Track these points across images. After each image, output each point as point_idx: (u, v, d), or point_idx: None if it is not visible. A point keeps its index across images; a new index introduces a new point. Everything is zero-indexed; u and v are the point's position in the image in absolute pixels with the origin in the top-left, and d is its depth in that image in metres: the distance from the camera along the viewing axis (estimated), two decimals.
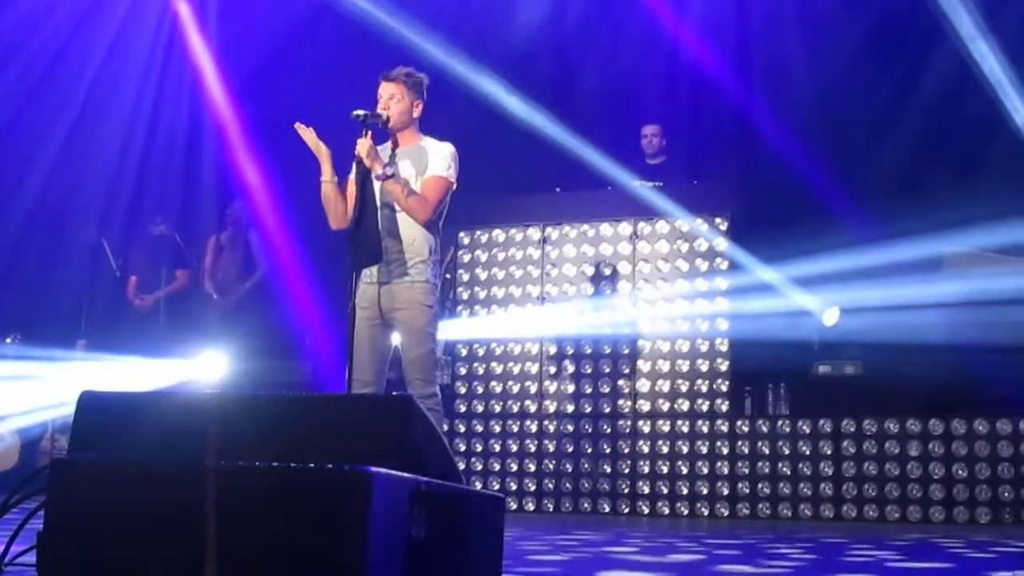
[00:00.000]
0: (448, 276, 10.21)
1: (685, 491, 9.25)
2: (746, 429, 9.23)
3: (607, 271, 9.71)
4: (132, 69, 12.44)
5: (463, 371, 10.03)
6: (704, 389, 9.36)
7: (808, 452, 9.03)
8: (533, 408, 9.77)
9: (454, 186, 6.32)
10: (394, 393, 5.62)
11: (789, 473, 9.05)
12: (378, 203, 6.18)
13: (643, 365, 9.52)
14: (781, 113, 10.72)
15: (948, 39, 10.01)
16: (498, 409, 9.86)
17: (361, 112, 6.08)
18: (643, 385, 9.49)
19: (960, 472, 8.67)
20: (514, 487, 9.66)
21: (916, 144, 10.31)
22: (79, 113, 12.23)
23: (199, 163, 12.62)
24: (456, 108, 10.87)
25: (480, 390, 9.96)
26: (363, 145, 6.06)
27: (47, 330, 10.85)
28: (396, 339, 6.29)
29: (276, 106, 11.99)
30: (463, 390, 9.99)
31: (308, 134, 6.21)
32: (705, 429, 9.30)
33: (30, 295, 11.76)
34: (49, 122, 12.16)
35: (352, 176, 6.21)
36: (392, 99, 6.23)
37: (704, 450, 9.27)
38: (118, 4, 12.35)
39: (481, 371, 9.98)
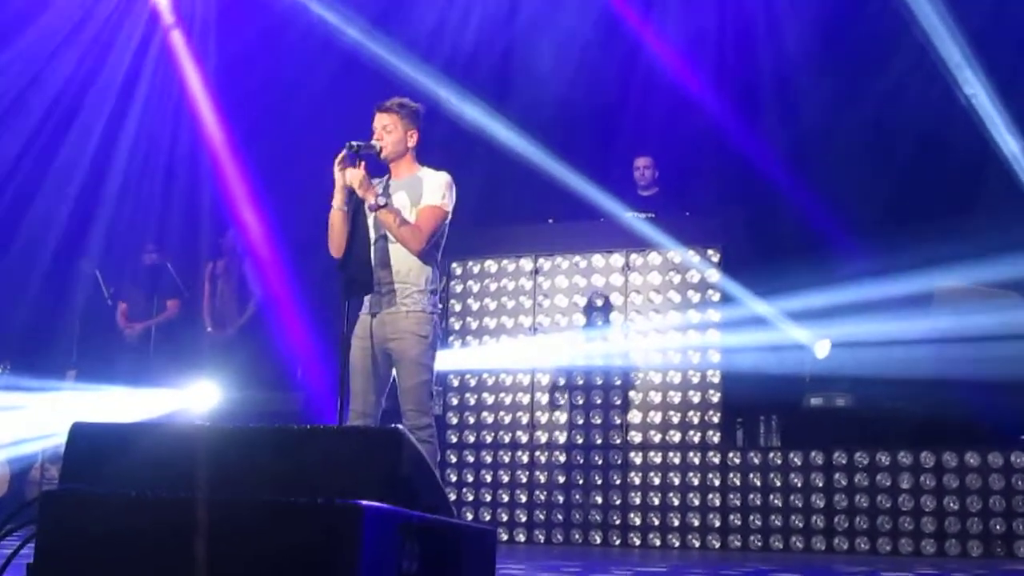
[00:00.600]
0: (441, 306, 10.20)
1: (676, 523, 9.23)
2: (737, 461, 9.22)
3: (599, 302, 9.71)
4: (124, 98, 12.44)
5: (455, 401, 10.02)
6: (696, 420, 9.36)
7: (799, 484, 9.02)
8: (524, 439, 9.75)
9: (449, 215, 6.30)
10: (386, 426, 5.61)
11: (780, 505, 9.03)
12: (372, 234, 6.17)
13: (635, 396, 9.52)
14: (774, 146, 10.75)
15: (939, 72, 10.04)
16: (489, 440, 9.85)
17: (355, 143, 6.07)
18: (635, 416, 9.48)
19: (952, 505, 8.66)
20: (505, 518, 9.64)
21: (907, 179, 10.34)
22: (71, 142, 12.22)
23: (192, 192, 12.60)
24: (450, 139, 10.90)
25: (472, 420, 9.94)
26: (355, 175, 6.04)
27: (38, 360, 10.82)
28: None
29: (269, 135, 12.03)
30: (455, 420, 9.98)
31: (356, 173, 6.10)
32: (696, 461, 9.29)
33: (21, 324, 11.72)
34: (42, 152, 12.16)
35: (336, 206, 6.15)
36: (385, 129, 6.22)
37: (695, 482, 9.25)
38: (114, 35, 12.35)
39: (473, 401, 9.97)
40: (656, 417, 9.45)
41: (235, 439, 3.06)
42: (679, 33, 11.68)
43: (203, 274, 11.42)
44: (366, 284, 6.06)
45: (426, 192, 6.24)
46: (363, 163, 6.06)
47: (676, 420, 9.39)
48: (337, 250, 6.21)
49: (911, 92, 10.47)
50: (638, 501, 9.36)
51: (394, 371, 6.18)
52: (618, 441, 9.49)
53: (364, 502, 2.47)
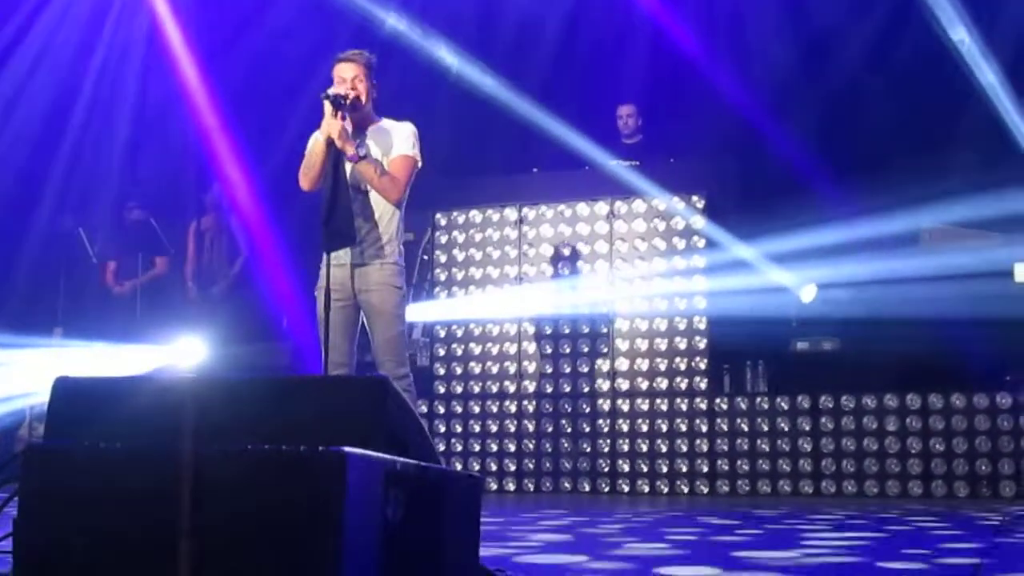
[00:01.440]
0: (425, 257, 10.21)
1: (664, 469, 9.28)
2: (725, 407, 9.26)
3: (584, 251, 9.71)
4: (104, 52, 12.35)
5: (441, 352, 10.03)
6: (683, 367, 9.39)
7: (787, 428, 9.07)
8: (512, 388, 9.78)
9: (419, 163, 6.31)
10: (370, 375, 5.62)
11: (768, 450, 9.09)
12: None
13: (621, 344, 9.54)
14: (756, 91, 10.72)
15: (921, 12, 10.01)
16: (477, 390, 9.87)
17: (332, 92, 6.04)
18: (621, 364, 9.51)
19: (938, 446, 8.72)
20: (494, 467, 9.68)
21: (891, 119, 10.32)
22: (51, 99, 12.14)
23: (174, 147, 12.54)
24: (433, 89, 10.87)
25: (458, 371, 9.96)
26: (335, 126, 6.01)
27: (23, 318, 10.79)
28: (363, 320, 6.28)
29: (251, 87, 11.96)
30: (442, 371, 10.00)
31: (336, 124, 6.04)
32: (684, 407, 9.33)
33: (5, 283, 11.69)
34: (21, 109, 12.08)
35: (321, 137, 6.10)
36: (356, 79, 6.19)
37: (683, 428, 9.30)
38: None
39: (459, 352, 9.98)
40: (643, 364, 9.47)
41: (220, 390, 3.06)
42: None
43: (186, 232, 11.35)
44: (348, 237, 6.05)
45: (396, 142, 6.25)
46: (340, 114, 6.03)
47: (663, 367, 9.42)
48: (309, 180, 6.18)
49: (897, 33, 10.44)
50: (626, 448, 9.40)
51: (365, 323, 6.20)
52: (605, 389, 9.52)
53: (348, 449, 2.47)
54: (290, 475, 2.49)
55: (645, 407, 9.42)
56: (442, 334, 10.07)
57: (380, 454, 2.64)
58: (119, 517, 2.68)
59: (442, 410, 9.91)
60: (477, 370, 9.91)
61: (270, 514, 2.49)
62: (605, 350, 9.57)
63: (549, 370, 9.69)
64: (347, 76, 6.19)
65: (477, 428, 9.83)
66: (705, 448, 9.23)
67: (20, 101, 12.10)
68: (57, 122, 12.17)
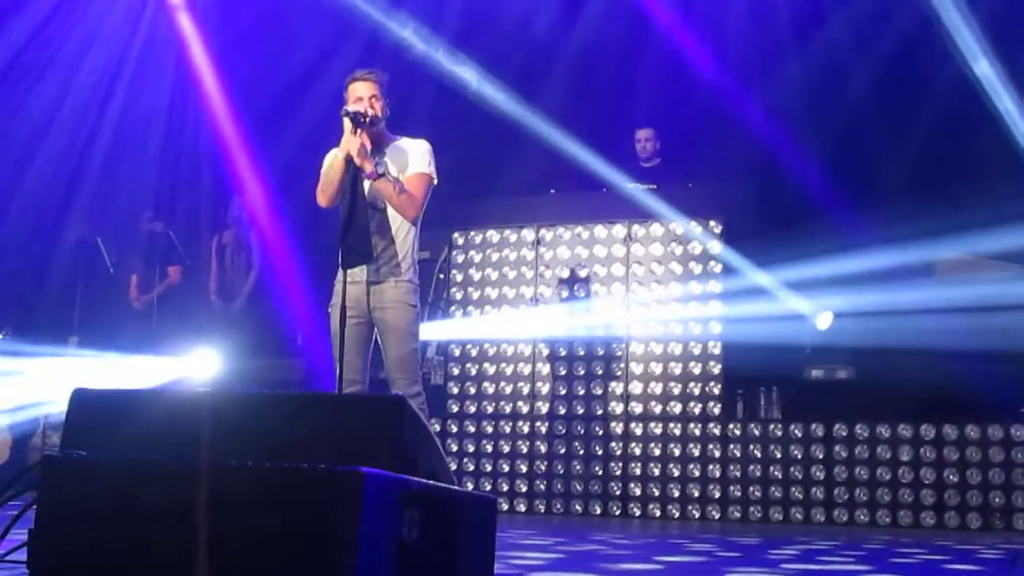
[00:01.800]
0: (442, 276, 10.21)
1: (676, 493, 9.25)
2: (738, 432, 9.23)
3: (601, 273, 9.70)
4: (126, 65, 12.41)
5: (456, 371, 10.03)
6: (696, 392, 9.37)
7: (800, 456, 9.04)
8: (525, 409, 9.76)
9: (435, 181, 6.33)
10: (388, 394, 5.62)
11: (780, 477, 9.05)
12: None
13: (636, 367, 9.52)
14: (776, 117, 10.72)
15: (944, 43, 10.00)
16: (490, 410, 9.86)
17: (351, 109, 6.06)
18: (635, 387, 9.49)
19: (951, 477, 8.68)
20: (505, 488, 9.66)
21: (910, 150, 10.31)
22: (72, 110, 12.19)
23: (193, 159, 12.59)
24: (453, 110, 10.89)
25: (472, 391, 9.95)
26: (354, 143, 6.03)
27: (39, 326, 10.83)
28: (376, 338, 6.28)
29: (269, 103, 11.99)
30: (455, 390, 9.99)
31: (355, 142, 6.06)
32: (697, 432, 9.30)
33: (22, 291, 11.73)
34: (41, 118, 12.13)
35: (340, 155, 6.12)
36: (372, 98, 6.21)
37: (696, 453, 9.27)
38: (116, 4, 12.32)
39: (474, 372, 9.98)
40: (657, 388, 9.46)
41: (237, 405, 3.07)
42: (683, 3, 11.64)
43: (210, 247, 11.40)
44: (365, 254, 6.06)
45: (412, 160, 6.28)
46: (360, 131, 6.05)
47: (677, 391, 9.40)
48: (327, 198, 6.20)
49: (916, 62, 10.44)
50: (638, 472, 9.38)
51: (379, 340, 6.20)
52: (619, 412, 9.50)
53: (365, 468, 2.47)
54: (307, 492, 2.50)
55: (658, 431, 9.40)
56: (457, 353, 10.07)
57: (396, 474, 2.64)
58: (135, 529, 2.69)
59: (455, 429, 9.90)
60: (491, 390, 9.90)
61: (286, 530, 2.50)
62: (619, 373, 9.55)
63: (563, 392, 9.68)
64: (364, 94, 6.21)
65: (489, 448, 9.81)
66: (717, 474, 9.20)
67: (41, 113, 12.15)
68: (77, 133, 12.21)
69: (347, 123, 6.05)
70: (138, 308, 11.24)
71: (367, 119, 6.07)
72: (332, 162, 6.18)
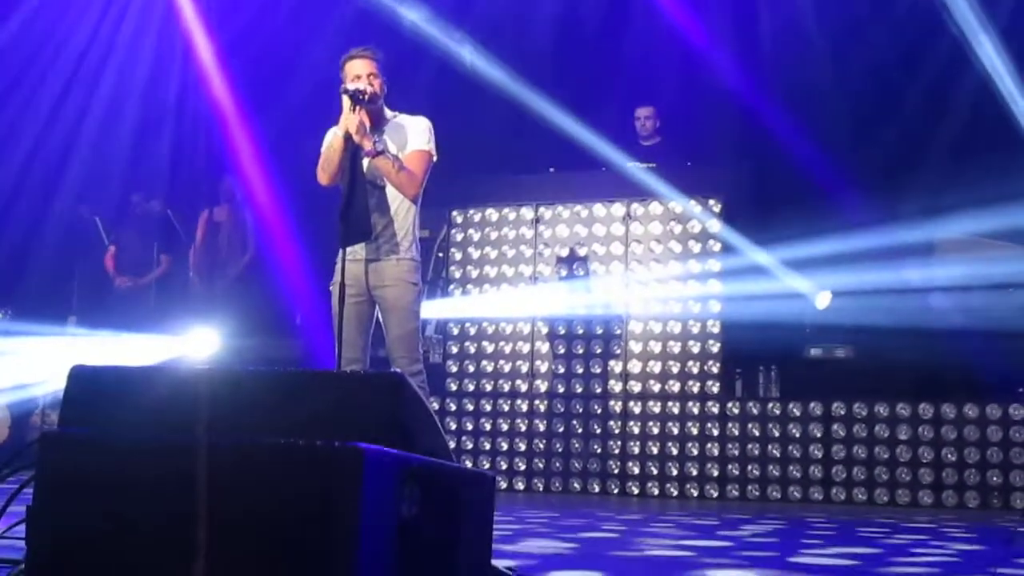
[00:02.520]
0: (441, 255, 10.20)
1: (675, 472, 9.26)
2: (736, 411, 9.24)
3: (600, 252, 9.70)
4: (121, 41, 12.37)
5: (455, 350, 10.03)
6: (695, 371, 9.37)
7: (798, 435, 9.05)
8: (524, 388, 9.77)
9: (435, 158, 6.31)
10: (387, 371, 5.62)
11: (779, 455, 9.06)
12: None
13: (634, 346, 9.52)
14: (776, 95, 10.69)
15: (944, 22, 9.97)
16: (489, 388, 9.87)
17: (351, 87, 6.04)
18: (634, 366, 9.49)
19: (949, 456, 8.69)
20: (504, 466, 9.67)
21: (910, 128, 10.29)
22: (69, 87, 12.17)
23: (190, 137, 12.56)
24: (452, 87, 10.86)
25: (471, 369, 9.96)
26: (353, 121, 6.01)
27: (38, 306, 10.82)
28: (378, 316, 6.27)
29: (265, 79, 11.96)
30: (454, 369, 9.99)
31: (353, 119, 6.04)
32: (696, 411, 9.31)
33: (21, 271, 11.72)
34: (38, 97, 12.11)
35: (340, 132, 6.10)
36: (371, 76, 6.19)
37: (694, 432, 9.28)
38: None
39: (473, 350, 9.98)
40: (656, 367, 9.46)
41: (236, 383, 3.05)
42: None
43: (199, 221, 11.34)
44: (365, 232, 6.05)
45: (411, 137, 6.26)
46: (359, 108, 6.03)
47: (676, 370, 9.40)
48: (328, 176, 6.18)
49: (916, 39, 10.42)
50: (637, 450, 9.39)
51: (380, 318, 6.19)
52: (617, 391, 9.50)
53: (364, 444, 2.47)
54: (306, 469, 2.49)
55: (657, 410, 9.40)
56: (455, 332, 10.07)
57: (396, 451, 2.64)
58: (134, 506, 2.68)
59: (454, 408, 9.91)
60: (489, 368, 9.90)
61: (285, 507, 2.49)
62: (618, 352, 9.55)
63: (561, 370, 9.68)
64: (362, 72, 6.18)
65: (488, 426, 9.82)
66: (716, 452, 9.21)
67: (37, 91, 12.13)
68: (74, 111, 12.19)
69: (346, 101, 6.03)
70: (117, 285, 11.16)
71: (366, 96, 6.05)
72: (332, 140, 6.17)
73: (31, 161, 12.04)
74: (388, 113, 6.35)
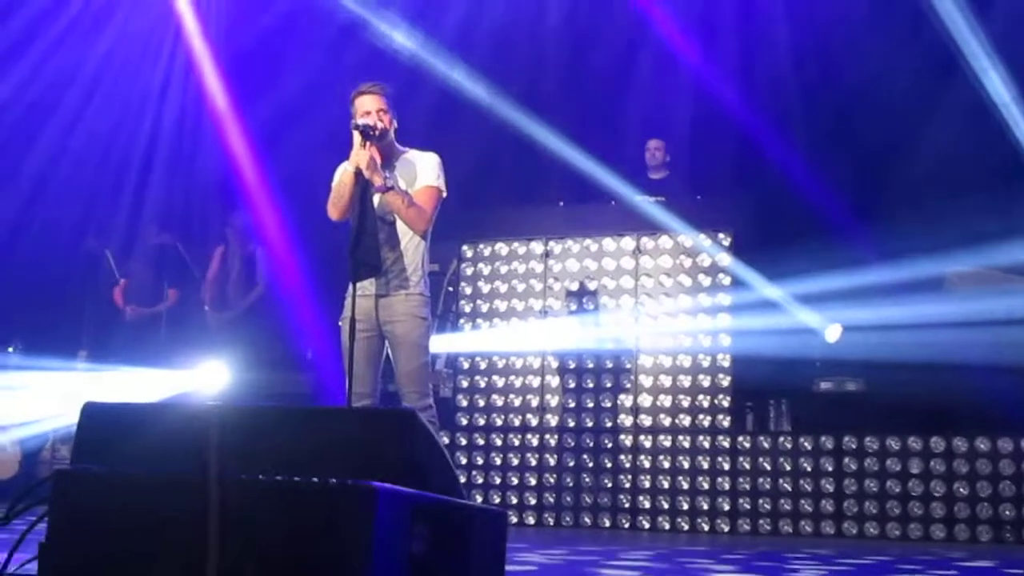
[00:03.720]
0: (451, 289, 10.22)
1: (686, 506, 9.23)
2: (748, 445, 9.22)
3: (610, 286, 9.70)
4: (133, 76, 12.45)
5: (464, 384, 10.02)
6: (706, 404, 9.35)
7: (809, 469, 9.02)
8: (534, 422, 9.76)
9: (444, 194, 6.32)
10: (398, 407, 5.62)
11: (790, 489, 9.03)
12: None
13: (645, 380, 9.51)
14: (785, 130, 10.72)
15: (954, 56, 9.99)
16: (499, 422, 9.85)
17: (361, 122, 6.07)
18: (645, 400, 9.48)
19: (961, 490, 8.66)
20: (514, 500, 9.65)
21: (920, 163, 10.30)
22: (79, 121, 12.22)
23: (201, 172, 12.61)
24: (461, 121, 10.91)
25: (481, 403, 9.95)
26: (363, 156, 6.03)
27: (48, 340, 10.83)
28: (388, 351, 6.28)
29: (278, 117, 12.01)
30: (464, 403, 9.98)
31: (364, 154, 6.07)
32: (707, 444, 9.29)
33: (32, 305, 11.73)
34: (49, 130, 12.16)
35: (350, 168, 6.13)
36: (381, 111, 6.22)
37: (705, 465, 9.25)
38: (118, 10, 12.35)
39: (483, 384, 9.97)
40: (666, 401, 9.44)
41: (248, 419, 3.06)
42: (691, 15, 11.66)
43: (211, 256, 11.38)
44: (375, 267, 6.06)
45: (421, 173, 6.27)
46: (369, 144, 6.06)
47: (686, 404, 9.39)
48: (339, 210, 6.19)
49: (923, 77, 10.44)
50: (648, 484, 9.36)
51: (389, 353, 6.20)
52: (628, 424, 9.49)
53: (377, 483, 2.47)
54: (319, 507, 2.50)
55: (667, 443, 9.38)
56: (466, 366, 10.06)
57: (407, 488, 2.64)
58: (146, 543, 2.69)
59: (464, 442, 9.89)
60: (500, 403, 9.89)
61: (298, 545, 2.49)
62: (628, 385, 9.54)
63: (572, 404, 9.67)
64: (371, 108, 6.21)
65: (498, 461, 9.80)
66: (727, 486, 9.18)
67: (46, 123, 12.18)
68: (86, 145, 12.24)
69: (356, 136, 6.05)
70: (129, 316, 11.19)
71: (376, 132, 6.08)
72: (342, 176, 6.18)
73: (39, 193, 12.07)
74: (398, 148, 6.37)
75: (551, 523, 9.51)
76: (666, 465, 9.34)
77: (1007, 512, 8.52)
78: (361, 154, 6.03)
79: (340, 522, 2.46)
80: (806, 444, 9.07)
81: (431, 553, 2.68)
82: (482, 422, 9.91)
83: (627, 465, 9.43)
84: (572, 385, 9.70)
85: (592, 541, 7.91)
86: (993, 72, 9.86)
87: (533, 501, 9.63)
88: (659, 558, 6.41)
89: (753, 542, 8.28)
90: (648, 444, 9.42)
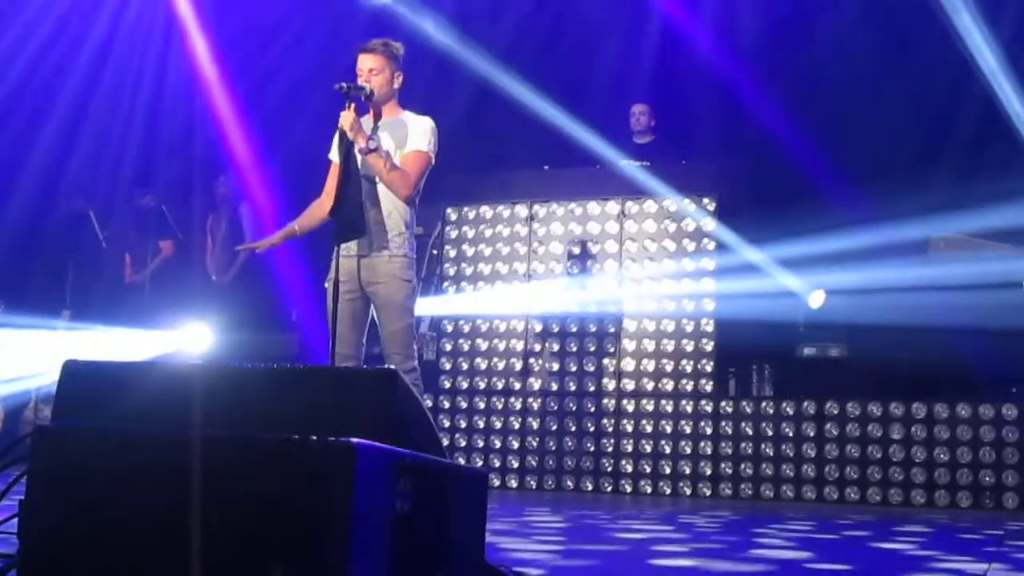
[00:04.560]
0: (435, 252, 10.20)
1: (668, 470, 9.27)
2: (730, 410, 9.24)
3: (594, 249, 9.69)
4: (119, 39, 12.37)
5: (448, 347, 10.02)
6: (689, 369, 9.37)
7: (791, 434, 9.05)
8: (517, 385, 9.76)
9: (433, 161, 6.30)
10: (380, 367, 5.62)
11: (772, 454, 9.07)
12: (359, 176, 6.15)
13: (628, 344, 9.52)
14: (770, 94, 10.71)
15: (940, 19, 9.97)
16: (482, 386, 9.86)
17: (344, 84, 6.05)
18: (628, 364, 9.49)
19: (942, 456, 8.69)
20: (497, 464, 9.67)
21: (904, 127, 10.31)
22: (65, 83, 12.15)
23: (186, 133, 12.54)
24: (446, 84, 10.87)
25: (465, 366, 9.95)
26: (346, 118, 6.03)
27: (31, 299, 10.79)
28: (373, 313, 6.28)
29: (264, 77, 11.96)
30: (448, 366, 9.99)
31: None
32: (689, 409, 9.31)
33: (14, 264, 11.69)
34: (34, 93, 12.09)
35: (335, 149, 6.19)
36: (372, 71, 6.20)
37: (688, 430, 9.28)
38: None
39: (466, 347, 9.97)
40: (649, 365, 9.45)
41: (230, 378, 3.06)
42: None
43: (205, 227, 11.42)
44: (359, 228, 6.05)
45: (411, 136, 6.25)
46: (353, 105, 6.05)
47: (669, 368, 9.40)
48: (329, 197, 6.19)
49: (910, 39, 10.42)
50: (630, 449, 9.39)
51: (374, 315, 6.20)
52: (611, 389, 9.50)
53: (358, 440, 2.47)
54: (299, 464, 2.50)
55: (650, 408, 9.40)
56: (449, 329, 10.06)
57: (389, 446, 2.64)
58: (127, 500, 2.69)
59: (447, 405, 9.90)
60: (483, 366, 9.90)
61: (279, 503, 2.49)
62: (612, 350, 9.55)
63: (555, 368, 9.68)
64: (364, 68, 6.21)
65: (481, 424, 9.82)
66: (709, 451, 9.21)
67: (34, 85, 12.12)
68: (71, 106, 12.18)
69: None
70: (133, 281, 11.24)
71: (355, 92, 6.07)
72: (333, 169, 6.22)
73: (25, 156, 12.02)
74: (395, 110, 6.34)
75: (533, 486, 9.54)
76: (648, 429, 9.36)
77: (987, 478, 8.56)
78: (345, 115, 6.03)
79: (321, 479, 2.46)
80: (788, 409, 9.10)
81: (413, 510, 2.68)
82: (465, 385, 9.92)
83: (610, 429, 9.45)
84: (556, 349, 9.71)
85: (583, 504, 7.94)
86: (980, 37, 9.84)
87: (516, 464, 9.66)
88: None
89: (734, 506, 8.31)
90: (631, 408, 9.44)
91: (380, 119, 6.27)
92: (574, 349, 9.66)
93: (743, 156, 10.53)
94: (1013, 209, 8.71)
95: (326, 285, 6.19)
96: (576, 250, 9.74)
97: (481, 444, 9.79)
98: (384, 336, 6.13)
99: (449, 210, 10.19)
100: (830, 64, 10.78)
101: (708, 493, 9.12)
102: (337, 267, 6.06)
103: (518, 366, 9.78)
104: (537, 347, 9.76)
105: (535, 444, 9.64)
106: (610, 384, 9.51)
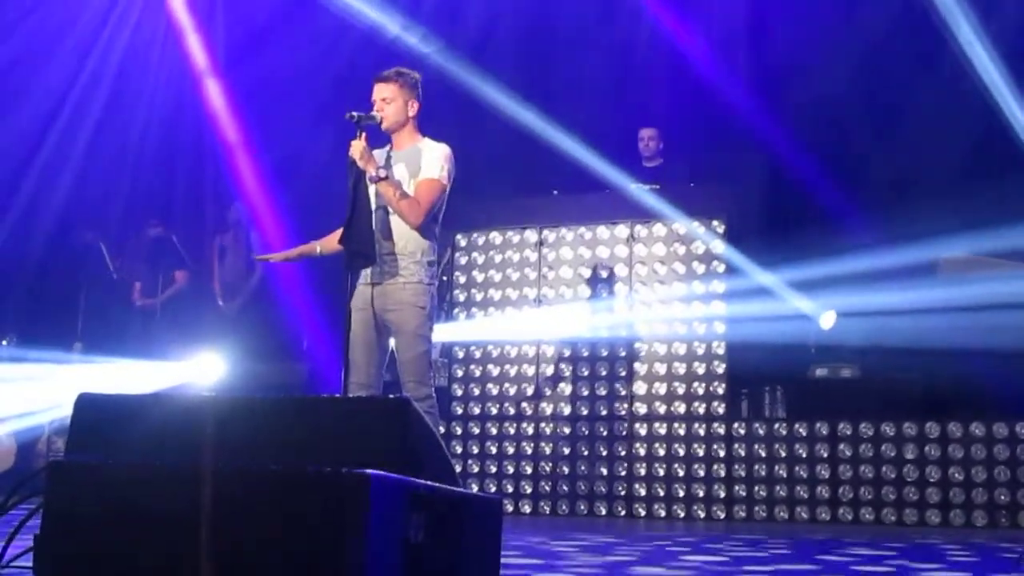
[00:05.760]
0: (445, 278, 10.20)
1: (681, 493, 9.25)
2: (743, 432, 9.23)
3: (604, 274, 9.70)
4: (128, 70, 12.42)
5: (460, 373, 10.02)
6: (701, 392, 9.36)
7: (804, 455, 9.03)
8: (530, 411, 9.76)
9: (447, 188, 6.29)
10: (392, 396, 5.63)
11: (785, 476, 9.05)
12: (372, 204, 6.16)
13: (640, 368, 9.52)
14: (779, 116, 10.71)
15: (948, 44, 9.98)
16: (495, 411, 9.86)
17: (355, 114, 6.08)
18: (640, 388, 9.49)
19: (956, 475, 8.67)
20: (510, 489, 9.65)
21: (914, 148, 10.30)
22: (75, 115, 12.20)
23: (196, 165, 12.59)
24: (455, 110, 10.88)
25: (477, 392, 9.95)
26: (356, 147, 6.05)
27: (43, 332, 10.82)
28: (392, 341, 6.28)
29: (274, 107, 11.99)
30: (459, 392, 9.99)
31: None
32: (702, 432, 9.30)
33: (26, 297, 11.73)
34: (44, 124, 12.14)
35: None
36: (385, 100, 6.22)
37: (701, 453, 9.26)
38: (115, 6, 12.33)
39: (478, 373, 9.97)
40: (661, 388, 9.45)
41: (242, 409, 3.06)
42: (685, 2, 11.64)
43: (211, 249, 11.43)
44: (369, 256, 6.06)
45: (425, 164, 6.24)
46: (364, 134, 6.07)
47: (681, 391, 9.39)
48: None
49: (921, 63, 10.43)
50: (643, 472, 9.37)
51: (392, 342, 6.20)
52: (623, 412, 9.49)
53: (371, 471, 2.47)
54: (313, 495, 2.50)
55: (663, 431, 9.39)
56: (460, 355, 10.06)
57: (402, 476, 2.64)
58: (141, 533, 2.69)
59: (459, 431, 9.90)
60: (495, 391, 9.90)
61: (292, 533, 2.50)
62: (623, 373, 9.54)
63: (567, 392, 9.67)
64: (377, 96, 6.23)
65: (494, 450, 9.81)
66: (722, 473, 9.19)
67: (41, 118, 12.16)
68: (80, 137, 12.22)
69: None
70: (143, 308, 11.26)
71: (364, 122, 6.10)
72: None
73: (35, 187, 12.06)
74: (411, 137, 6.34)
75: (547, 511, 9.52)
76: (661, 452, 9.35)
77: (1002, 497, 8.54)
78: (355, 144, 6.05)
79: (335, 510, 2.46)
80: (801, 430, 9.08)
81: (426, 540, 2.68)
82: (477, 411, 9.92)
83: (622, 453, 9.43)
84: (567, 373, 9.71)
85: (598, 530, 7.92)
86: (988, 60, 9.85)
87: (529, 490, 9.64)
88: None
89: (749, 528, 8.28)
90: (643, 432, 9.43)
91: (397, 148, 6.29)
92: (586, 373, 9.66)
93: (752, 178, 10.53)
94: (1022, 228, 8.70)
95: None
96: (586, 274, 9.73)
97: (494, 470, 9.77)
98: (400, 363, 6.12)
99: (458, 236, 10.20)
100: (839, 86, 10.78)
101: (722, 516, 9.09)
102: (351, 294, 6.07)
103: (530, 391, 9.78)
104: (549, 372, 9.76)
105: (548, 469, 9.63)
106: (622, 408, 9.51)
